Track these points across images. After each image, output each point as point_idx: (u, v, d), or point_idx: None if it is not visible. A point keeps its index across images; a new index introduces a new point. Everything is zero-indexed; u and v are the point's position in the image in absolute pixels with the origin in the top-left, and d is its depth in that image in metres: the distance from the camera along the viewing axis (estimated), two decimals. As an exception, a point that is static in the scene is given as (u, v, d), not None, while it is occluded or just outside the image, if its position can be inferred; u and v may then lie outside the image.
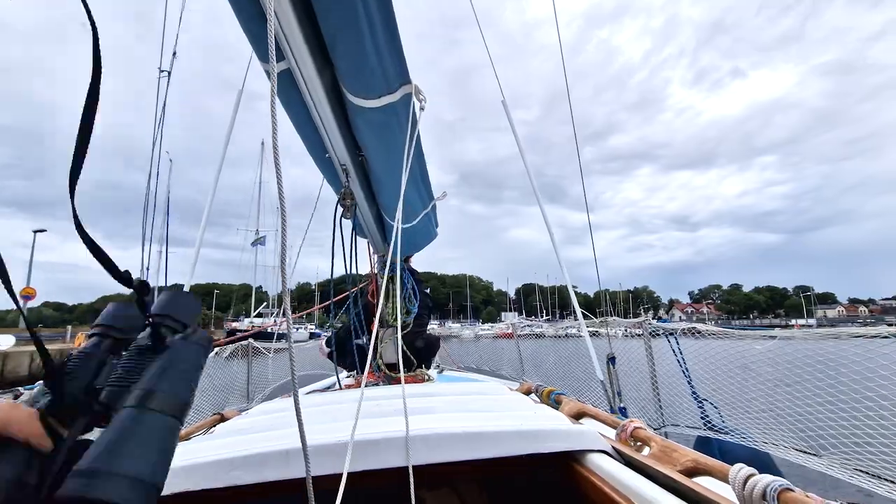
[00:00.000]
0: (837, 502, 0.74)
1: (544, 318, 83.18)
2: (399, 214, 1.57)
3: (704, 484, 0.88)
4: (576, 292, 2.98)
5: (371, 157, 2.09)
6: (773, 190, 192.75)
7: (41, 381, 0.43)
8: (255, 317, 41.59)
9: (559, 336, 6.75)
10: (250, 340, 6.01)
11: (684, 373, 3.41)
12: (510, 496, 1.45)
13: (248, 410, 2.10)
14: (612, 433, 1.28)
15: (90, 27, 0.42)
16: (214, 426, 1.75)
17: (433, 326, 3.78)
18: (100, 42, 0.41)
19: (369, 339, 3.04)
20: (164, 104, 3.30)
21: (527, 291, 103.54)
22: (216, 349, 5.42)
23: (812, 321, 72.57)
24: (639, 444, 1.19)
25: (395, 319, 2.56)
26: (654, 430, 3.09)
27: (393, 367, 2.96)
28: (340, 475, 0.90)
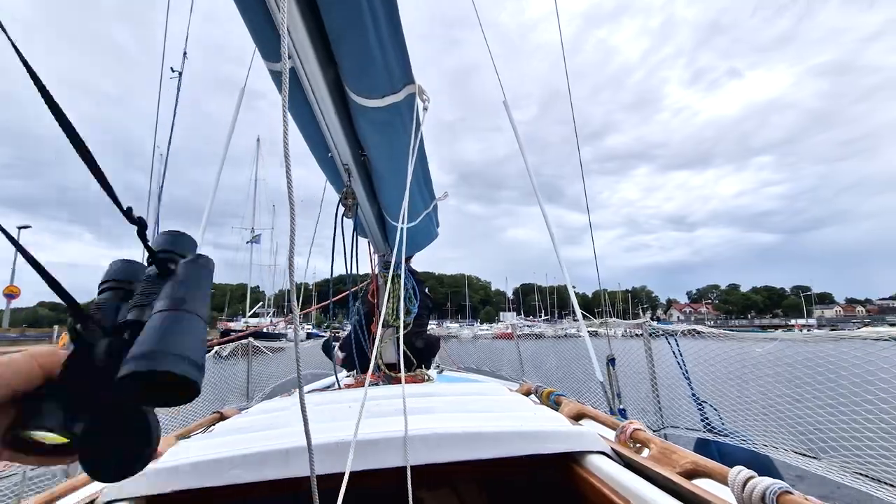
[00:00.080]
0: None
1: (543, 318, 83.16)
2: (404, 214, 1.57)
3: (704, 486, 0.88)
4: (575, 292, 2.98)
5: (373, 157, 2.09)
6: (769, 190, 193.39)
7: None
8: (251, 316, 41.44)
9: (558, 336, 6.75)
10: (250, 339, 6.02)
11: (684, 375, 3.41)
12: (510, 497, 1.45)
13: (248, 409, 2.10)
14: (611, 435, 1.28)
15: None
16: (214, 425, 1.75)
17: (431, 326, 3.78)
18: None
19: (368, 339, 3.04)
20: (176, 104, 3.30)
21: (525, 291, 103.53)
22: (216, 348, 5.43)
23: (812, 321, 72.50)
24: (638, 445, 1.19)
25: (396, 319, 2.56)
26: (654, 431, 3.10)
27: (393, 366, 2.96)
28: (341, 474, 0.90)
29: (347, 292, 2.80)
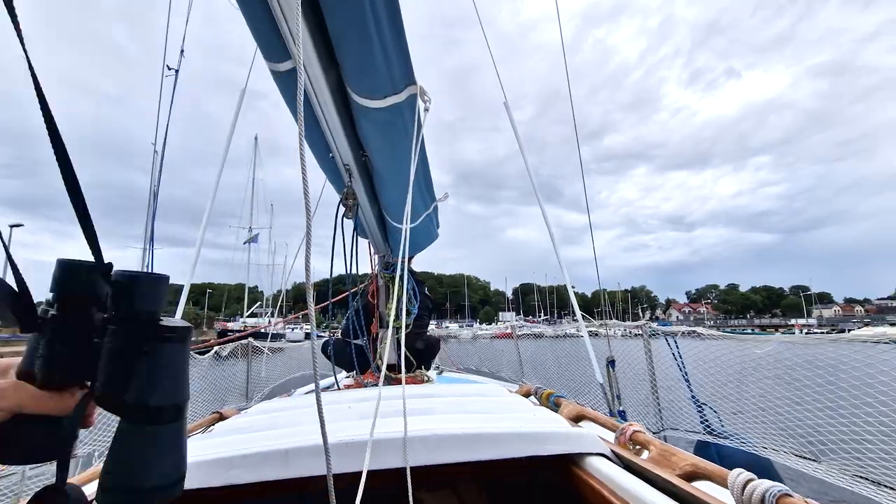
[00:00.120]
0: None
1: (542, 318, 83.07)
2: (407, 216, 1.57)
3: (703, 488, 0.88)
4: (574, 293, 2.98)
5: (374, 158, 2.09)
6: (767, 190, 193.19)
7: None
8: (249, 316, 41.19)
9: (558, 336, 6.75)
10: (250, 339, 6.02)
11: (684, 377, 3.41)
12: (509, 498, 1.45)
13: (247, 409, 2.09)
14: (611, 436, 1.28)
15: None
16: (213, 425, 1.75)
17: (430, 327, 3.78)
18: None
19: (368, 340, 3.04)
20: (171, 102, 3.31)
21: (524, 291, 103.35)
22: (215, 348, 5.42)
23: (812, 321, 72.41)
24: (638, 447, 1.19)
25: (396, 320, 2.55)
26: (654, 433, 3.09)
27: (392, 367, 2.96)
28: (346, 474, 0.90)
29: (347, 293, 2.80)
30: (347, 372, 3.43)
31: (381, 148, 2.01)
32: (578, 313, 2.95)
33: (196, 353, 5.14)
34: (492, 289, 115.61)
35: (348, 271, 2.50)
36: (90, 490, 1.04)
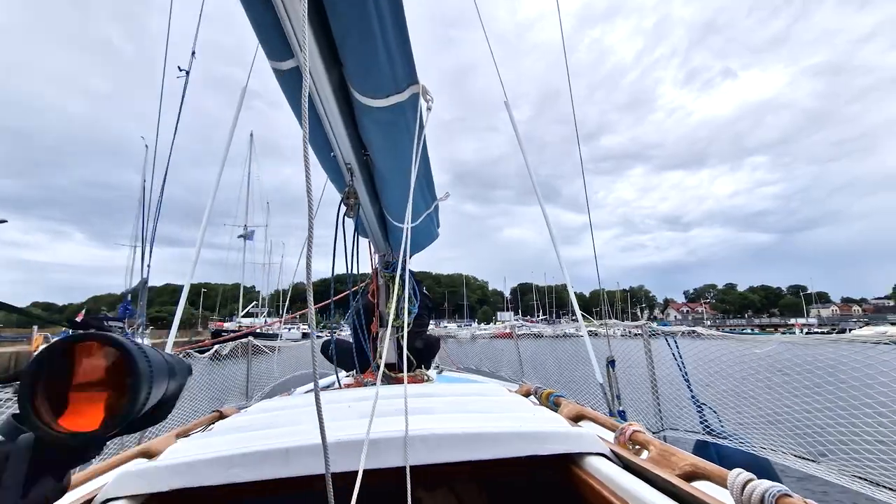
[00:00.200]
0: None
1: (541, 317, 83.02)
2: (408, 215, 1.57)
3: (702, 488, 0.88)
4: (574, 293, 2.98)
5: (376, 157, 2.09)
6: (764, 190, 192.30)
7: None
8: (244, 316, 40.85)
9: (557, 336, 6.76)
10: (250, 338, 6.02)
11: (684, 377, 3.41)
12: (509, 497, 1.45)
13: (248, 408, 2.10)
14: (610, 436, 1.28)
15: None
16: (213, 423, 1.75)
17: (429, 327, 3.79)
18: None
19: (368, 340, 3.04)
20: (181, 104, 3.30)
21: (523, 290, 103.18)
22: (215, 347, 5.43)
23: (813, 320, 72.37)
24: (637, 447, 1.19)
25: (396, 319, 2.56)
26: (653, 433, 3.09)
27: (392, 367, 2.97)
28: (345, 473, 0.90)
29: (348, 292, 2.80)
30: (348, 371, 3.44)
31: (383, 147, 2.01)
32: (578, 313, 2.95)
33: (196, 351, 5.15)
34: (489, 288, 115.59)
35: (349, 270, 2.50)
36: (89, 490, 1.05)
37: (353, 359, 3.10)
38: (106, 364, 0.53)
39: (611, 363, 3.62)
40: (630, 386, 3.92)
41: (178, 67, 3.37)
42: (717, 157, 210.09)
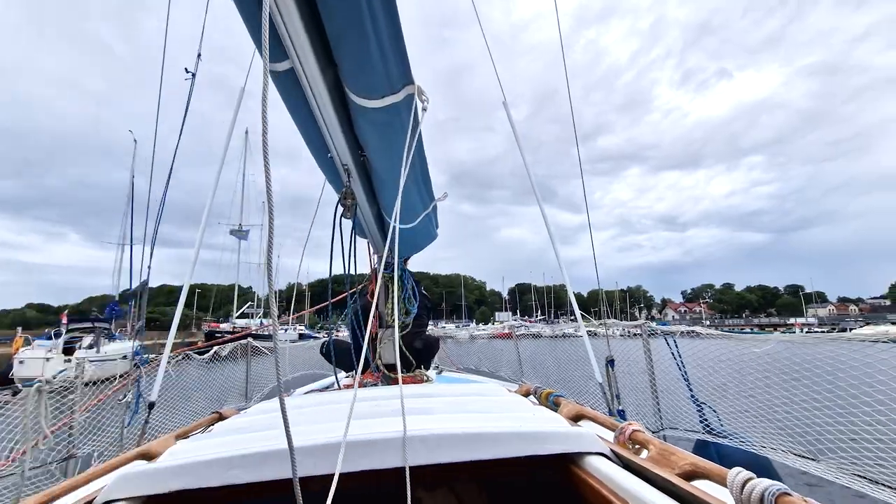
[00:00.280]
0: None
1: (539, 317, 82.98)
2: (396, 213, 1.57)
3: (702, 488, 0.88)
4: (573, 293, 2.98)
5: (373, 157, 2.09)
6: (759, 190, 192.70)
7: None
8: (239, 317, 40.50)
9: (556, 336, 6.76)
10: (249, 339, 6.02)
11: (683, 377, 3.41)
12: (509, 497, 1.45)
13: (247, 409, 2.09)
14: (610, 436, 1.28)
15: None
16: (212, 425, 1.75)
17: (428, 327, 3.79)
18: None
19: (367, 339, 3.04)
20: (187, 107, 3.29)
21: (521, 291, 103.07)
22: (214, 348, 5.43)
23: (812, 320, 72.44)
24: (637, 446, 1.19)
25: (395, 320, 2.55)
26: (653, 433, 3.10)
27: (392, 367, 2.96)
28: (330, 476, 0.90)
29: (346, 293, 2.80)
30: (347, 372, 3.44)
31: (379, 147, 2.01)
32: (578, 313, 2.95)
33: (196, 353, 5.14)
34: (487, 289, 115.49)
35: (346, 271, 2.49)
36: (89, 492, 1.04)
37: (353, 359, 3.10)
38: None
39: (610, 363, 3.62)
40: (629, 385, 3.92)
41: (185, 69, 3.36)
42: (713, 157, 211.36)
